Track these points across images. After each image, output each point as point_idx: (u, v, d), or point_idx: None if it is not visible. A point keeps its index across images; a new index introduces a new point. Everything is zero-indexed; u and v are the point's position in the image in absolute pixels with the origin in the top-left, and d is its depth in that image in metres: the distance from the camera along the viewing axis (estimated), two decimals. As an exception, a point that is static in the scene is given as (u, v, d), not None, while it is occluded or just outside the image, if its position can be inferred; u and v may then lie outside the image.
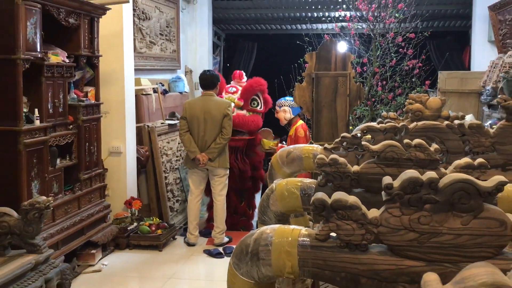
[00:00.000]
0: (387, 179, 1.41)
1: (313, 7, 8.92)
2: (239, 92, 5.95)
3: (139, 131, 6.09)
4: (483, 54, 7.90)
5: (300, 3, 8.95)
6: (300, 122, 5.77)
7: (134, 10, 6.64)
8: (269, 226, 1.57)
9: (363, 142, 2.35)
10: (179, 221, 6.25)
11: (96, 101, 4.97)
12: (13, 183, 3.89)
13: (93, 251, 4.84)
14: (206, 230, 5.95)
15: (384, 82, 6.37)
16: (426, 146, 2.17)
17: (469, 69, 8.36)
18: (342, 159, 2.15)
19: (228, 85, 6.15)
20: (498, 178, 1.38)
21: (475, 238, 1.37)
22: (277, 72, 7.91)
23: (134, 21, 6.71)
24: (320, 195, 1.45)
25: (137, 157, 5.89)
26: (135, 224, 5.45)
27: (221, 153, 5.40)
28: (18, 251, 3.62)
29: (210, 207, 6.01)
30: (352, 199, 1.43)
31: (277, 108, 5.98)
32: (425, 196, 1.36)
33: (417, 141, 2.20)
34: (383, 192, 1.42)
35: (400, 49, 6.37)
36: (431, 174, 1.38)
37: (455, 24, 9.20)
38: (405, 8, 6.47)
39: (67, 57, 4.53)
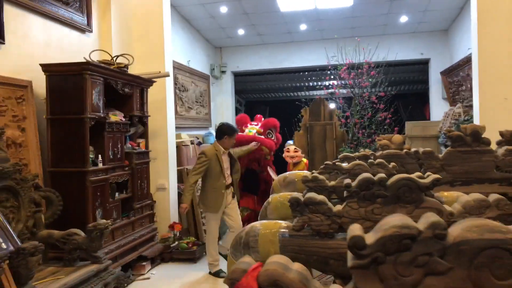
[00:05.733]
0: (346, 180, 1.35)
1: (309, 78, 9.01)
2: (259, 124, 5.86)
3: (180, 172, 6.08)
4: (438, 108, 7.83)
5: (299, 76, 9.05)
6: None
7: (175, 84, 6.77)
8: (259, 222, 1.51)
9: (337, 163, 2.29)
10: (211, 241, 6.11)
11: (146, 150, 4.99)
12: (82, 210, 3.86)
13: (144, 263, 4.73)
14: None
15: (364, 130, 6.30)
16: (385, 163, 2.11)
17: (429, 119, 8.27)
18: (321, 176, 2.08)
19: (252, 121, 6.09)
20: (434, 176, 1.31)
21: (419, 224, 1.30)
22: (285, 126, 7.89)
23: (175, 92, 6.83)
24: (296, 195, 1.39)
25: (178, 192, 5.84)
26: (176, 242, 5.34)
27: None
28: (85, 262, 3.55)
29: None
30: (320, 197, 1.37)
31: (289, 147, 5.69)
32: (376, 191, 1.30)
33: (378, 160, 2.14)
34: (344, 191, 1.37)
35: (374, 105, 6.32)
36: (381, 174, 1.32)
37: (418, 87, 9.17)
38: (377, 75, 6.46)
39: (124, 117, 4.58)
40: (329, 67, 6.89)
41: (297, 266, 0.76)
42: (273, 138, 5.82)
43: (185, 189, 4.73)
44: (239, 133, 5.54)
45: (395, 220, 0.70)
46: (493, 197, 1.25)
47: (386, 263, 0.67)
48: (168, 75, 5.30)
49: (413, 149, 2.77)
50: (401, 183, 1.27)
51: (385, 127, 6.17)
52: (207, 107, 8.32)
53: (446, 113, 6.61)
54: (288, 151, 5.86)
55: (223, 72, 8.93)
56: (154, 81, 5.10)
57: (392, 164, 2.08)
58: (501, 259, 0.64)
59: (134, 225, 4.64)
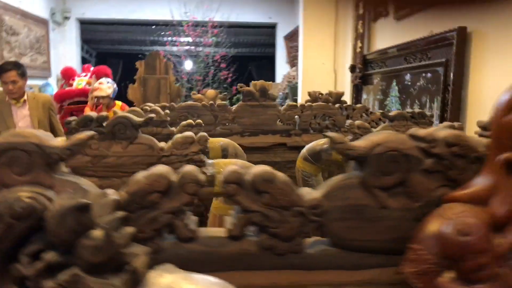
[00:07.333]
0: (68, 119, 1.42)
1: (162, 33, 8.80)
2: (88, 75, 5.17)
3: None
4: (282, 70, 8.36)
5: (151, 30, 8.78)
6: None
7: (1, 26, 6.08)
8: None
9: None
10: None
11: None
12: None
13: None
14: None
15: (207, 87, 6.47)
16: (159, 111, 2.23)
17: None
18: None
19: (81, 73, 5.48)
20: (150, 115, 1.45)
21: (133, 158, 1.42)
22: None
23: (1, 35, 6.14)
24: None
25: None
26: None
27: None
28: None
29: None
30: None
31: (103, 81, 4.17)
32: (94, 128, 1.39)
33: (152, 107, 2.25)
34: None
35: (217, 64, 6.51)
36: (98, 114, 1.41)
37: (267, 50, 9.63)
38: (220, 34, 6.62)
39: None
40: (174, 23, 6.84)
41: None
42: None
43: None
44: (67, 88, 5.13)
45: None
46: (200, 135, 1.44)
47: None
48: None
49: (210, 102, 2.96)
50: (116, 121, 1.37)
51: (225, 85, 6.42)
52: (46, 55, 7.65)
53: (284, 76, 7.12)
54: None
55: (67, 18, 8.24)
56: (-39, 18, 4.50)
57: (166, 111, 2.21)
58: (20, 159, 0.76)
59: None
